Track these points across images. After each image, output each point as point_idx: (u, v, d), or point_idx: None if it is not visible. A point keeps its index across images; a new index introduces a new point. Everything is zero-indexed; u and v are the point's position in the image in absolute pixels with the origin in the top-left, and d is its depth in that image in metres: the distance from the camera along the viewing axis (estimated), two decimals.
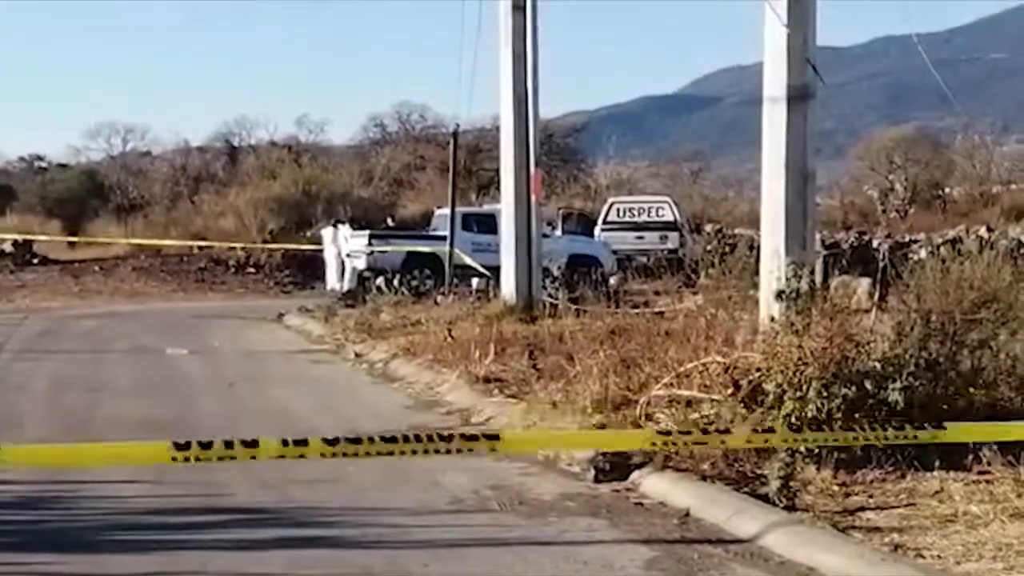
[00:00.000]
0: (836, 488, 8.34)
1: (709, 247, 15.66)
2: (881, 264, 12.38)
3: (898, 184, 50.17)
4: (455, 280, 24.29)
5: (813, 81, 11.19)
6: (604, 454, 9.17)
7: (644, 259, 24.52)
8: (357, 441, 5.70)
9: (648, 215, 34.92)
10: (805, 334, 9.17)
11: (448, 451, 5.94)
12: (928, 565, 6.68)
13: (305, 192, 42.40)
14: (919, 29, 16.78)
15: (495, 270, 21.81)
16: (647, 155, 70.30)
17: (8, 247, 38.97)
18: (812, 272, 10.24)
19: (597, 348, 12.12)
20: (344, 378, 15.96)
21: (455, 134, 27.86)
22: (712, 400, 9.73)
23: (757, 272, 11.22)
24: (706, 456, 8.90)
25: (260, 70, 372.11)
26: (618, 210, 35.41)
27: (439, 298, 22.26)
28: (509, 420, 11.36)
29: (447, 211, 26.38)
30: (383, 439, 5.74)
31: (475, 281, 25.45)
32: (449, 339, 15.98)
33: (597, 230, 34.42)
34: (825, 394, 8.66)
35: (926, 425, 6.31)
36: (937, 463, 8.51)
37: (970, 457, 8.46)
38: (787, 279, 9.90)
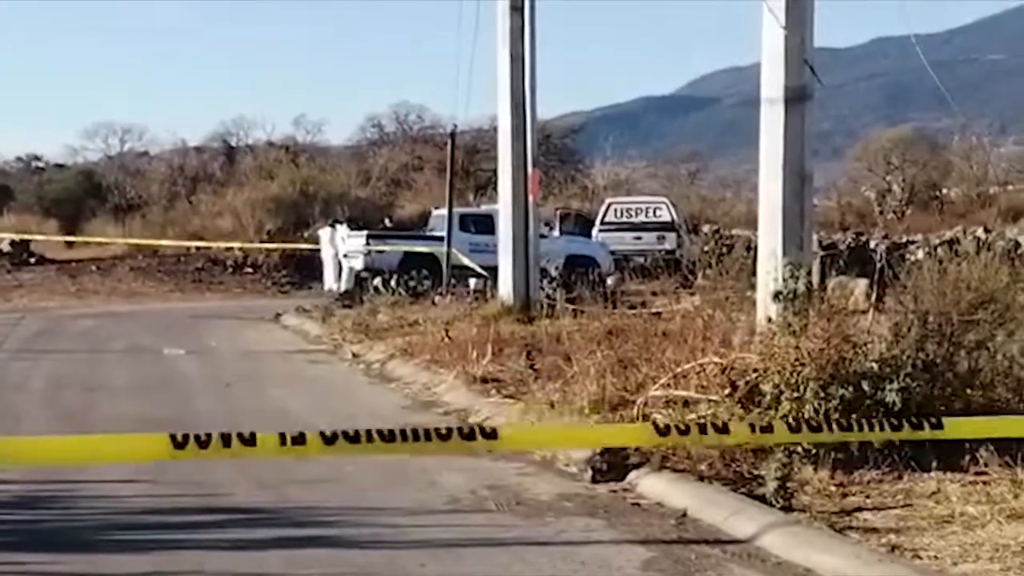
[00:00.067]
0: (833, 489, 8.35)
1: (706, 248, 15.69)
2: (878, 265, 12.38)
3: (895, 185, 50.20)
4: (453, 280, 24.29)
5: (811, 82, 11.19)
6: (601, 454, 9.17)
7: (641, 260, 24.51)
8: (355, 438, 5.68)
9: (646, 216, 34.93)
10: (802, 335, 9.18)
11: (446, 448, 5.91)
12: (925, 566, 6.68)
13: (303, 192, 42.39)
14: (917, 30, 16.76)
15: (493, 270, 21.83)
16: (645, 156, 70.28)
17: (5, 247, 38.94)
18: (809, 273, 10.26)
19: (594, 349, 12.13)
20: (341, 378, 15.96)
21: (453, 134, 27.86)
22: (709, 401, 9.73)
23: (754, 273, 11.23)
24: (703, 457, 8.92)
25: (258, 70, 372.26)
26: (616, 211, 35.42)
27: (436, 298, 22.26)
28: (506, 420, 11.36)
29: (444, 211, 26.37)
30: (381, 436, 5.72)
31: (473, 281, 25.46)
32: (446, 339, 15.99)
33: (595, 231, 34.41)
34: (822, 395, 8.67)
35: (923, 422, 6.30)
36: (934, 464, 8.53)
37: (967, 458, 8.47)
38: (784, 280, 9.91)
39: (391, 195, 48.58)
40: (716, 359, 10.03)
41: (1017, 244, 24.20)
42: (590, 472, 9.08)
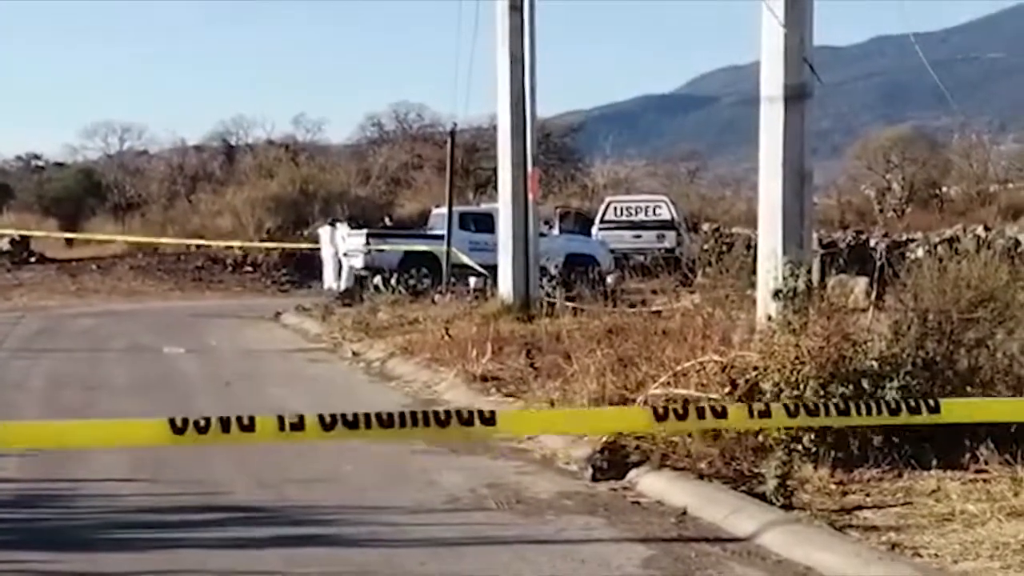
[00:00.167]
0: (833, 487, 8.35)
1: (706, 246, 15.65)
2: (878, 263, 12.37)
3: (895, 183, 50.23)
4: (452, 279, 24.29)
5: (810, 81, 11.19)
6: (601, 452, 9.18)
7: (641, 258, 24.47)
8: (354, 423, 5.66)
9: (645, 214, 34.94)
10: (802, 333, 9.18)
11: (444, 434, 5.88)
12: (925, 564, 6.68)
13: (302, 191, 42.41)
14: (916, 29, 16.80)
15: (492, 269, 21.83)
16: (644, 154, 70.36)
17: (5, 245, 38.95)
18: (809, 271, 10.25)
19: (594, 347, 12.12)
20: (341, 377, 15.96)
21: (452, 133, 27.86)
22: (709, 399, 9.72)
23: (754, 271, 11.22)
24: (703, 455, 8.92)
25: (257, 69, 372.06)
26: (615, 209, 35.42)
27: (436, 297, 22.26)
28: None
29: (444, 210, 26.37)
30: (380, 421, 5.70)
31: (472, 280, 25.49)
32: (446, 338, 15.98)
33: (594, 229, 34.42)
34: (822, 393, 8.66)
35: (921, 405, 6.30)
36: (934, 462, 8.53)
37: (967, 456, 8.48)
38: (784, 278, 9.91)
39: (391, 194, 48.60)
40: (716, 357, 10.03)
41: (1017, 242, 24.20)
42: (590, 470, 9.08)
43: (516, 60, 19.57)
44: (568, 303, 17.86)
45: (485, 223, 27.37)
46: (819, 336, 9.04)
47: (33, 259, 38.64)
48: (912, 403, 6.42)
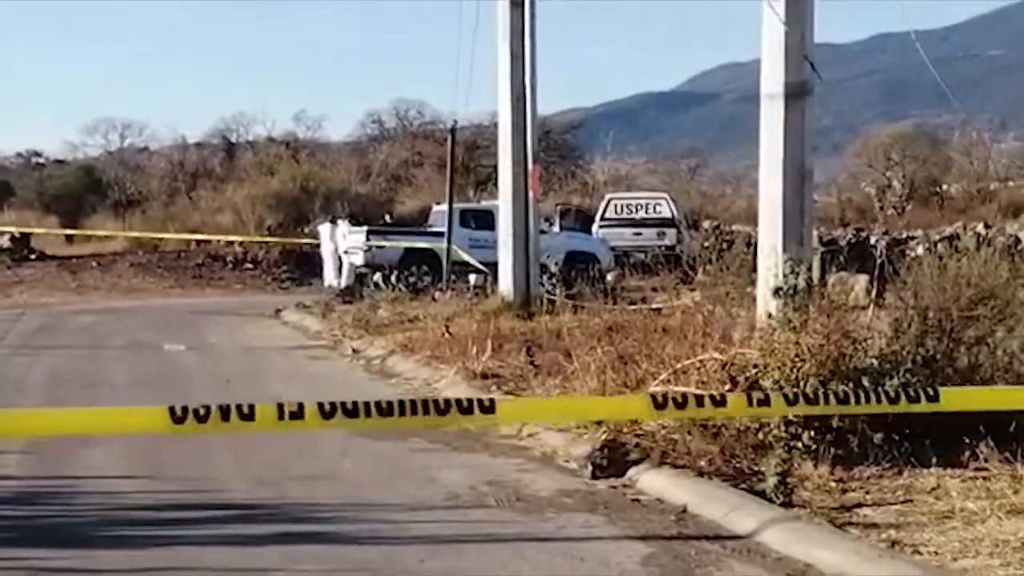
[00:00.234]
0: (833, 484, 8.34)
1: (707, 243, 15.65)
2: (878, 261, 12.38)
3: (896, 181, 50.22)
4: (453, 276, 24.27)
5: (811, 78, 11.18)
6: (601, 450, 9.18)
7: (642, 255, 24.48)
8: (354, 412, 5.65)
9: (646, 211, 34.90)
10: (802, 331, 9.17)
11: (443, 421, 5.87)
12: (925, 561, 6.68)
13: (303, 188, 42.39)
14: (916, 26, 16.77)
15: (493, 266, 21.82)
16: (644, 151, 70.41)
17: (6, 242, 38.94)
18: (809, 269, 10.25)
19: (595, 345, 12.12)
20: (341, 374, 15.95)
21: (453, 130, 27.85)
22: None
23: (755, 269, 11.21)
24: (703, 452, 8.91)
25: (257, 67, 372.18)
26: (616, 206, 35.38)
27: (437, 294, 22.25)
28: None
29: (445, 207, 26.36)
30: (379, 409, 5.68)
31: (473, 277, 25.48)
32: (447, 335, 15.97)
33: (595, 226, 34.39)
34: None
35: (920, 394, 6.29)
36: (934, 459, 8.53)
37: (967, 453, 8.47)
38: (785, 276, 9.90)
39: (391, 191, 48.62)
40: (716, 355, 10.02)
41: (1017, 240, 24.17)
42: (590, 468, 9.07)
43: (517, 57, 19.55)
44: (568, 300, 17.84)
45: (485, 220, 27.34)
46: (819, 334, 9.04)
47: (33, 256, 38.63)
48: (912, 392, 6.41)
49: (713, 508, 7.92)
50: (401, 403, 5.70)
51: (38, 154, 59.65)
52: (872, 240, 31.92)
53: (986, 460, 8.33)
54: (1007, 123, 71.15)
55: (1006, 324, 9.88)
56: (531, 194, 19.77)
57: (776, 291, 9.90)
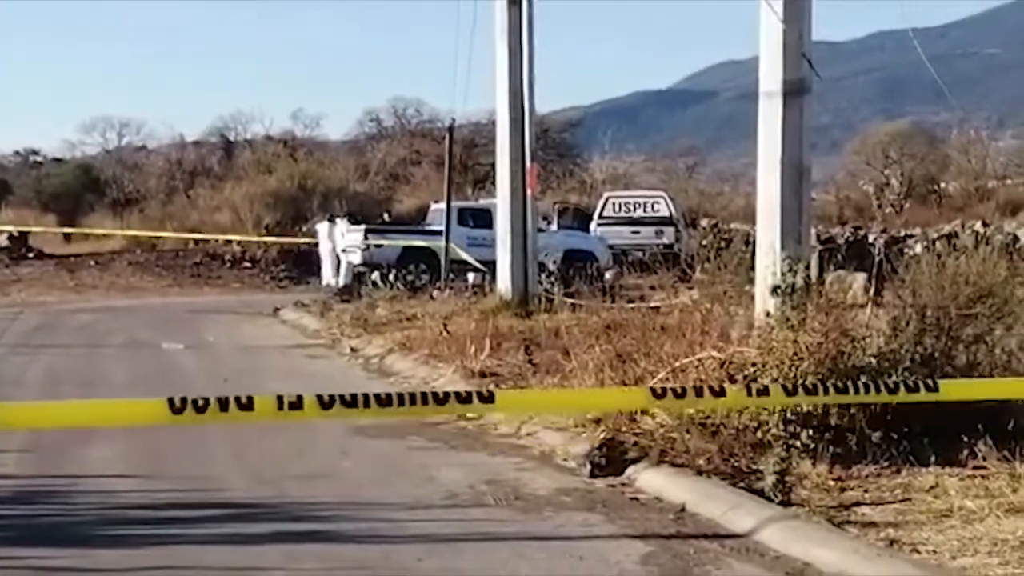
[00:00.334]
0: (832, 483, 8.34)
1: (705, 242, 15.65)
2: (876, 259, 12.38)
3: (894, 179, 50.20)
4: (451, 275, 24.26)
5: (809, 76, 11.18)
6: (600, 448, 9.18)
7: (640, 254, 24.51)
8: (352, 403, 5.65)
9: (644, 210, 34.88)
10: (800, 329, 9.17)
11: (442, 411, 5.87)
12: (923, 560, 6.68)
13: (301, 187, 42.36)
14: (914, 24, 16.79)
15: (491, 265, 21.82)
16: (642, 150, 70.38)
17: (3, 241, 38.93)
18: (807, 267, 10.26)
19: (593, 343, 12.12)
20: (340, 373, 15.94)
21: (451, 129, 27.81)
22: None
23: (753, 267, 11.22)
24: (702, 451, 8.91)
25: (255, 65, 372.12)
26: (614, 205, 35.36)
27: (435, 293, 22.25)
28: (505, 415, 11.35)
29: (443, 206, 26.34)
30: (378, 400, 5.68)
31: (471, 276, 25.46)
32: (445, 334, 15.97)
33: (593, 225, 34.37)
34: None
35: (919, 384, 6.29)
36: (932, 458, 8.53)
37: (965, 452, 8.47)
38: (783, 274, 9.90)
39: (389, 189, 48.60)
40: (714, 353, 10.02)
41: (1015, 238, 24.19)
42: (588, 467, 9.07)
43: (514, 55, 19.55)
44: (566, 299, 17.84)
45: (483, 219, 27.34)
46: (817, 332, 9.04)
47: (31, 255, 38.62)
48: (911, 383, 6.41)
49: (712, 507, 7.92)
50: (400, 395, 5.69)
51: (36, 152, 59.63)
52: (870, 238, 31.92)
53: (984, 459, 8.33)
54: (1005, 121, 71.21)
55: (1004, 322, 9.89)
56: (529, 192, 19.76)
57: (774, 289, 9.90)
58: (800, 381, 8.74)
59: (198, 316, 24.36)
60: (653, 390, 6.33)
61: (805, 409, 8.57)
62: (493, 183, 25.44)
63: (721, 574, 6.76)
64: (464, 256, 25.90)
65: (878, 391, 6.43)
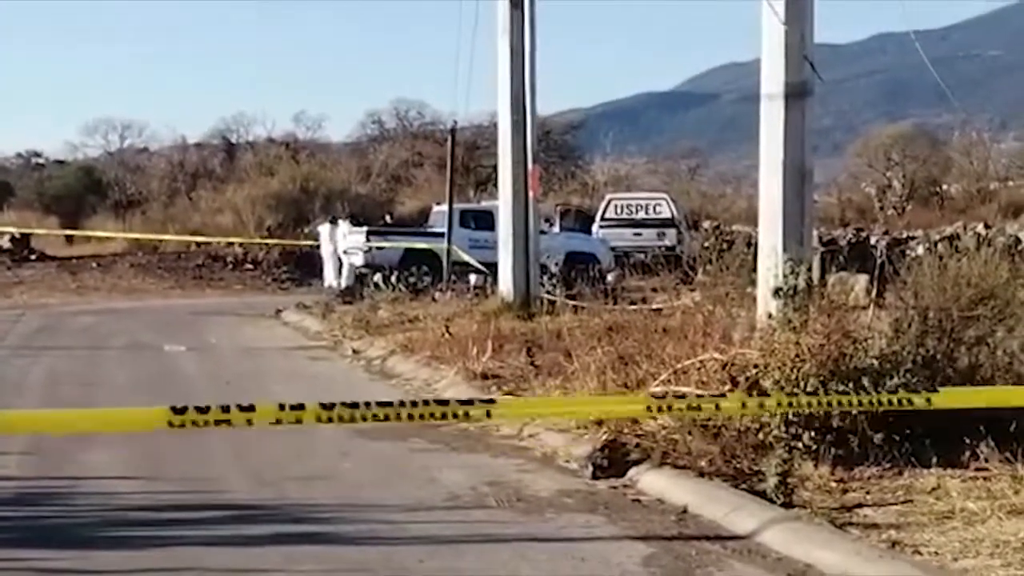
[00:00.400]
0: (834, 484, 8.33)
1: (707, 244, 15.64)
2: (879, 261, 12.37)
3: (896, 181, 50.23)
4: (453, 277, 24.27)
5: (811, 78, 11.18)
6: (602, 450, 9.17)
7: (642, 256, 24.47)
8: (354, 406, 5.65)
9: (646, 212, 34.89)
10: (803, 331, 9.16)
11: (444, 415, 5.89)
12: (925, 562, 6.67)
13: (303, 189, 42.38)
14: (916, 26, 16.78)
15: (493, 267, 21.82)
16: (645, 152, 70.46)
17: (6, 243, 38.94)
18: (809, 269, 10.24)
19: (595, 345, 12.12)
20: (342, 375, 15.94)
21: (453, 131, 27.85)
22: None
23: (755, 269, 11.21)
24: (704, 452, 8.90)
25: (257, 67, 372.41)
26: (616, 207, 35.37)
27: (437, 295, 22.24)
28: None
29: (445, 208, 26.36)
30: (379, 404, 5.69)
31: (473, 278, 25.47)
32: (447, 336, 15.96)
33: (595, 227, 34.39)
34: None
35: (919, 391, 6.30)
36: (934, 460, 8.52)
37: (967, 454, 8.46)
38: (785, 276, 9.89)
39: (391, 191, 48.61)
40: (716, 355, 10.02)
41: (1017, 240, 24.14)
42: (590, 468, 9.06)
43: (516, 56, 19.54)
44: (568, 301, 17.84)
45: (485, 221, 27.33)
46: (819, 334, 9.02)
47: (33, 257, 38.62)
48: (911, 390, 6.42)
49: (714, 508, 7.91)
50: (401, 401, 5.69)
51: (38, 154, 59.73)
52: (872, 240, 31.92)
53: (987, 460, 8.32)
54: (1007, 123, 71.23)
55: (1006, 324, 9.88)
56: (531, 194, 19.76)
57: (776, 291, 9.89)
58: (802, 383, 8.75)
59: (200, 318, 24.36)
60: (649, 407, 6.35)
61: (806, 411, 8.56)
62: (495, 185, 25.44)
63: (723, 575, 6.75)
64: (466, 258, 25.90)
65: (879, 394, 6.44)
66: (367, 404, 5.72)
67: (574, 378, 11.54)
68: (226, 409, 5.55)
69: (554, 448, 9.94)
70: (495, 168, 23.31)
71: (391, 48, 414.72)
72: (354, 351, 17.75)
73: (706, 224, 35.74)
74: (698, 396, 9.77)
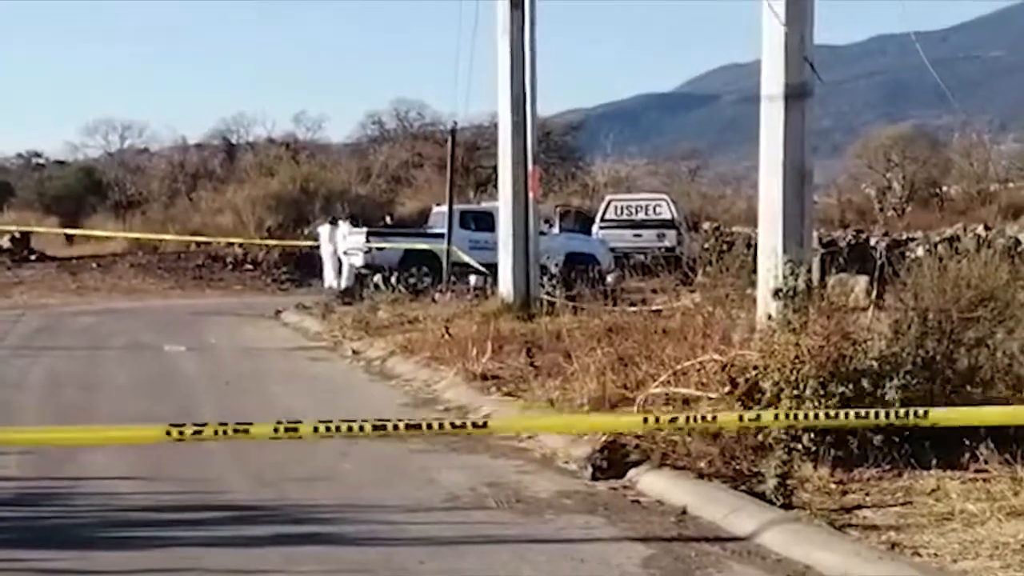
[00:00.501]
0: (833, 486, 8.34)
1: (707, 245, 15.65)
2: (878, 262, 12.36)
3: (895, 182, 50.24)
4: (453, 278, 24.27)
5: (811, 79, 11.18)
6: (601, 451, 9.17)
7: (642, 257, 24.46)
8: (351, 422, 5.67)
9: (646, 213, 34.90)
10: (802, 332, 9.16)
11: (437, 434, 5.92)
12: (925, 563, 6.67)
13: (303, 189, 42.39)
14: (916, 28, 16.77)
15: (493, 268, 21.82)
16: (645, 153, 70.42)
17: (6, 243, 38.93)
18: (809, 270, 10.24)
19: (594, 346, 12.12)
20: (341, 375, 15.95)
21: (453, 131, 27.84)
22: (709, 398, 9.72)
23: (754, 270, 11.21)
24: (703, 454, 8.91)
25: (258, 68, 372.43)
26: (616, 208, 35.38)
27: (437, 296, 22.24)
28: None
29: (445, 208, 26.36)
30: (374, 426, 5.72)
31: (473, 279, 25.46)
32: (446, 337, 15.97)
33: (595, 228, 34.40)
34: (822, 392, 8.65)
35: (909, 412, 6.31)
36: (934, 461, 8.52)
37: (967, 455, 8.46)
38: (784, 277, 9.89)
39: (391, 192, 48.61)
40: (716, 356, 10.02)
41: (1017, 242, 24.15)
42: (590, 469, 9.06)
43: (517, 58, 19.54)
44: (568, 302, 17.83)
45: (485, 221, 27.34)
46: (819, 335, 9.03)
47: (33, 257, 38.63)
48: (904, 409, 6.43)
49: (713, 510, 7.91)
50: (396, 423, 5.71)
51: (38, 155, 59.73)
52: (872, 241, 31.94)
53: (986, 462, 8.32)
54: (1007, 124, 71.19)
55: (1006, 326, 9.88)
56: (531, 195, 19.76)
57: (776, 292, 9.89)
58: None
59: (200, 318, 24.36)
60: (645, 419, 6.37)
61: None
62: (495, 186, 25.44)
63: None
64: (466, 259, 25.90)
65: (876, 416, 6.45)
66: (361, 425, 5.73)
67: (574, 379, 11.54)
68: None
69: (553, 449, 9.94)
70: (495, 169, 23.31)
71: (391, 48, 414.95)
72: (354, 352, 17.75)
73: (706, 225, 35.75)
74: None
